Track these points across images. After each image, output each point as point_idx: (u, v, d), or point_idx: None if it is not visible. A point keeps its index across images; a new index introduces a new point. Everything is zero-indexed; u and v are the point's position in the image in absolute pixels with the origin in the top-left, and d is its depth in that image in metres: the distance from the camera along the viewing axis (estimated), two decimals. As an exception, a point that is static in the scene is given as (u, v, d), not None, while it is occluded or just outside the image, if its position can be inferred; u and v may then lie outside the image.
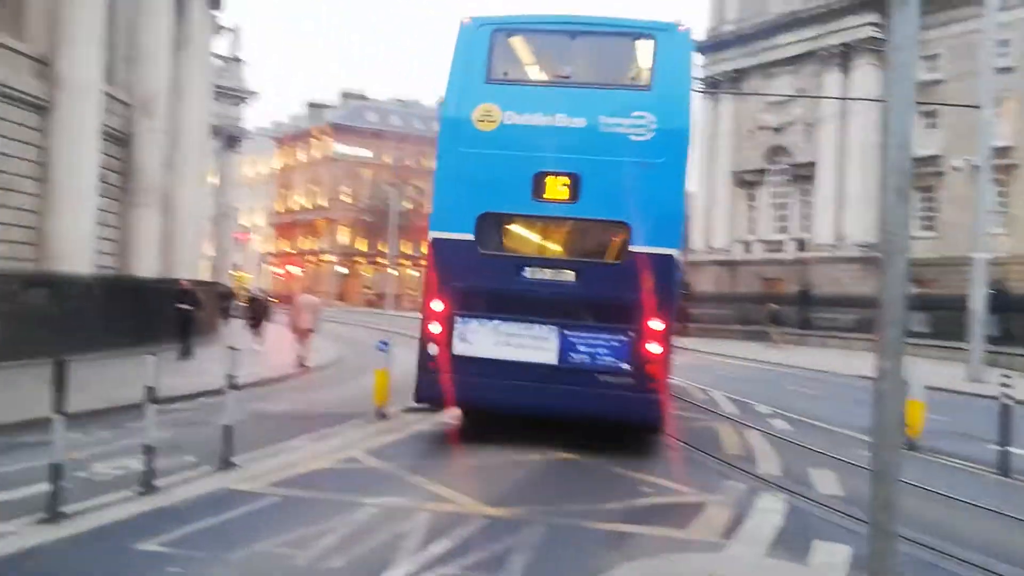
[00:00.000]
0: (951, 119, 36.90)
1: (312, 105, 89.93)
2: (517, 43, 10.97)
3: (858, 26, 42.22)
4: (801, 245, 44.68)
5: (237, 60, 48.03)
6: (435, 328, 9.94)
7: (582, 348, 9.72)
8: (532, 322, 9.79)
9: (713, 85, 48.68)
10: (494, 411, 10.44)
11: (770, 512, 7.46)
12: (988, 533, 7.36)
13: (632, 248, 9.74)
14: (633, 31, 10.73)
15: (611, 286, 9.82)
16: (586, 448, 10.09)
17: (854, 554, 6.14)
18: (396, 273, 71.46)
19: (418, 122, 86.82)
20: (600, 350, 9.71)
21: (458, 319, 9.89)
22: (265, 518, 6.69)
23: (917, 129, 39.55)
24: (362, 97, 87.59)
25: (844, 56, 43.11)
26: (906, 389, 11.08)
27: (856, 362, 24.84)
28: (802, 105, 44.74)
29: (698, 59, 51.67)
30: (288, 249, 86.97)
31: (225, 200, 45.95)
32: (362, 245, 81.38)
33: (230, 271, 54.59)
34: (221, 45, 41.31)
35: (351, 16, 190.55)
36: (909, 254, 3.11)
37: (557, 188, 9.94)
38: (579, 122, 9.98)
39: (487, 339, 9.85)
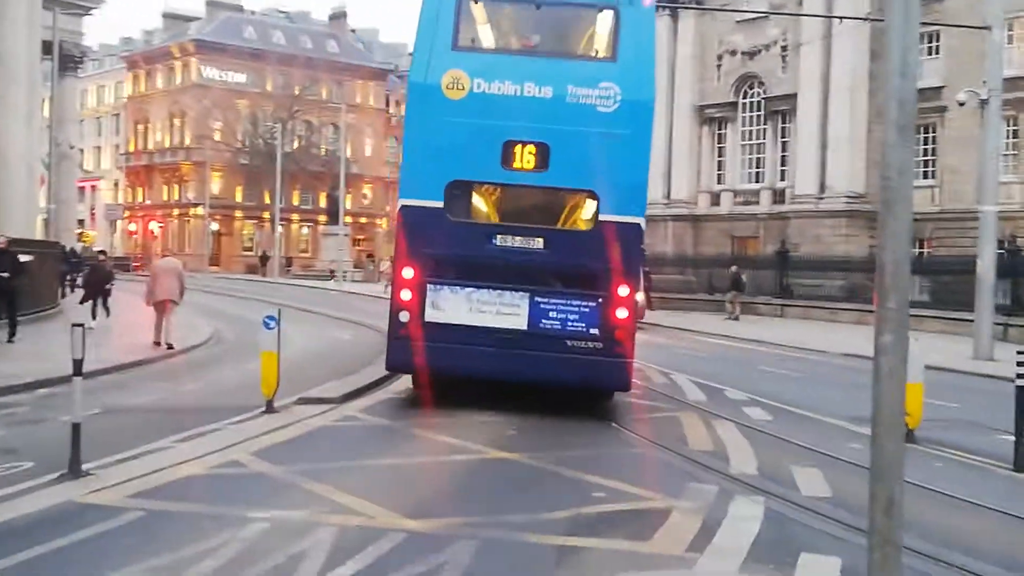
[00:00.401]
0: (954, 44, 37.74)
1: (170, 17, 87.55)
2: (484, 10, 12.95)
3: (847, -71, 42.81)
4: (779, 196, 45.40)
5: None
6: (406, 295, 11.90)
7: (552, 314, 11.86)
8: (503, 289, 11.89)
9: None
10: (465, 377, 12.34)
11: (746, 519, 7.59)
12: (1001, 540, 7.59)
13: (601, 217, 11.97)
14: (596, 2, 12.76)
15: (580, 254, 12.04)
16: (526, 445, 10.19)
17: (845, 566, 6.32)
18: (282, 231, 70.65)
19: (308, 40, 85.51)
20: (570, 316, 11.88)
21: (429, 286, 11.87)
22: (125, 538, 6.57)
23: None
24: (236, 7, 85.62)
25: (830, -35, 43.71)
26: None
27: (844, 337, 25.52)
28: (779, 26, 45.22)
29: (655, -34, 51.79)
30: (146, 201, 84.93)
31: (64, 138, 44.57)
32: (240, 196, 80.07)
33: (75, 229, 53.23)
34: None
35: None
36: (912, 205, 3.19)
37: (526, 157, 12.01)
38: (547, 92, 12.00)
39: (458, 306, 11.88)
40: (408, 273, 11.95)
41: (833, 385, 17.62)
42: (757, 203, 46.13)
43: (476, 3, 12.74)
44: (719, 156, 49.07)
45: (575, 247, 12.27)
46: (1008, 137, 36.45)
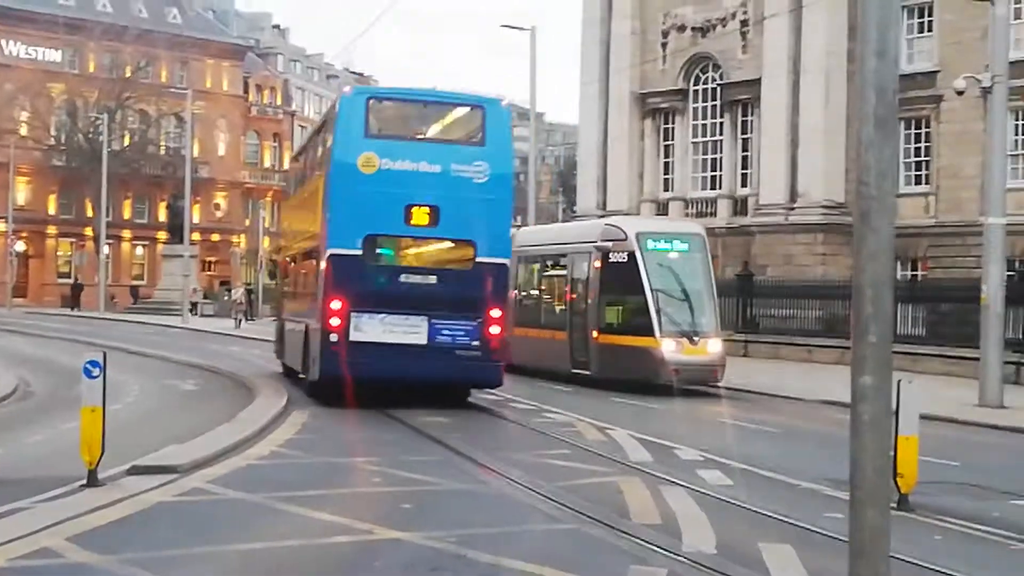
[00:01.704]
0: (951, 20, 38.87)
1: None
2: (387, 107, 22.37)
3: None
4: (740, 206, 46.03)
5: None
6: (335, 321, 19.40)
7: (444, 332, 19.77)
8: (408, 314, 19.72)
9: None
10: (382, 383, 19.74)
11: (702, 611, 7.66)
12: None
13: (478, 259, 20.29)
14: (469, 103, 22.45)
15: (464, 287, 20.31)
16: (424, 521, 10.16)
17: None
18: (109, 252, 69.50)
19: (142, 7, 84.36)
20: (457, 332, 19.88)
21: (353, 314, 19.46)
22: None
23: (903, 35, 41.55)
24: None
25: (800, -79, 44.68)
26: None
27: (822, 380, 25.91)
28: (738, -5, 46.09)
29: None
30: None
31: None
32: (54, 207, 78.57)
33: None
34: None
35: None
36: (895, 216, 3.25)
37: (422, 216, 20.00)
38: (436, 168, 20.15)
39: (375, 328, 19.55)
40: (336, 305, 19.54)
41: (809, 440, 17.89)
42: (713, 215, 46.66)
43: (380, 103, 22.03)
44: (666, 157, 49.68)
45: (460, 281, 20.73)
46: (1017, 133, 37.51)
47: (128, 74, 76.97)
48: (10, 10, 78.08)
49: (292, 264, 28.31)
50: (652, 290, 25.41)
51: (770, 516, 11.09)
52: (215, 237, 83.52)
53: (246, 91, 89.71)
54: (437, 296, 19.97)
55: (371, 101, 21.31)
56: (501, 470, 13.54)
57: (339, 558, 9.09)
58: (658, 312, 25.22)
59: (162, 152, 77.17)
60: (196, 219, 69.43)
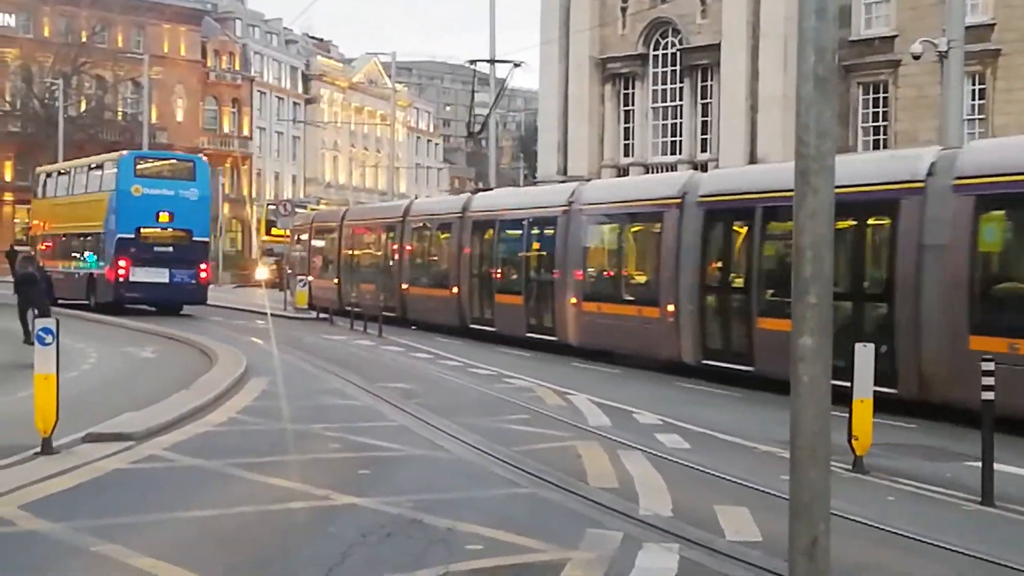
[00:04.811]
0: (910, -16, 38.99)
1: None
2: (147, 161, 42.87)
3: None
4: (700, 171, 46.15)
5: None
6: (122, 271, 36.74)
7: (176, 276, 37.86)
8: (158, 267, 37.48)
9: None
10: (145, 303, 38.59)
11: (658, 572, 7.70)
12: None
13: (193, 239, 38.99)
14: (187, 159, 45.49)
15: (185, 252, 38.42)
16: (381, 487, 10.17)
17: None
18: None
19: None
20: (184, 275, 38.16)
21: (132, 267, 37.01)
22: None
23: (860, 3, 41.73)
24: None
25: None
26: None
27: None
28: (698, -41, 46.11)
29: None
30: None
31: None
32: (11, 174, 77.88)
33: None
34: None
35: None
36: (834, 176, 3.26)
37: (165, 217, 37.89)
38: (171, 192, 38.50)
39: (139, 275, 37.00)
40: (122, 262, 36.55)
41: (769, 404, 17.97)
42: (673, 180, 46.69)
43: (143, 160, 42.24)
44: (626, 122, 49.80)
45: (183, 250, 38.23)
46: (973, 99, 37.79)
47: (84, 39, 76.16)
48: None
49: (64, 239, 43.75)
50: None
51: (726, 479, 11.18)
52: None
53: (204, 56, 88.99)
54: (173, 257, 37.63)
55: (136, 158, 40.60)
56: (459, 435, 13.59)
57: (295, 524, 9.07)
58: None
59: (119, 118, 76.49)
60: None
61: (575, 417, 15.73)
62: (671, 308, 21.10)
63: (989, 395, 10.03)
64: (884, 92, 41.60)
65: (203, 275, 38.93)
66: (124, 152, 41.08)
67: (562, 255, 25.58)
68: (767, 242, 19.41)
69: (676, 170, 45.90)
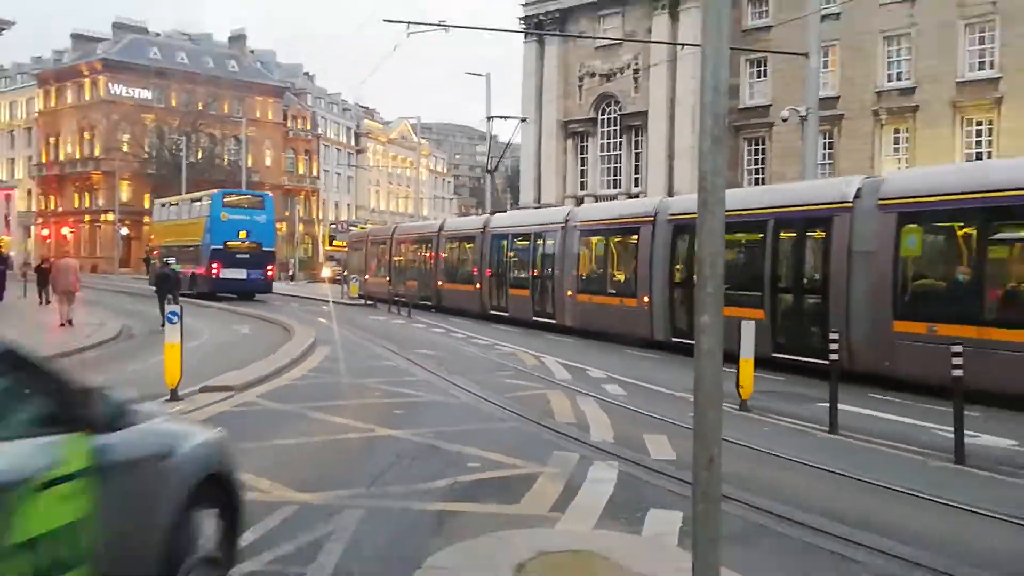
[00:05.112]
0: (780, 68, 38.97)
1: (79, 37, 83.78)
2: (231, 195, 41.66)
3: (688, -32, 43.80)
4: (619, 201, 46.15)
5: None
6: (214, 271, 37.51)
7: (251, 274, 38.22)
8: (239, 268, 37.77)
9: (537, 26, 49.20)
10: (228, 292, 38.14)
11: (602, 481, 7.70)
12: (819, 491, 7.86)
13: (263, 248, 39.24)
14: (259, 195, 44.32)
15: (258, 258, 38.81)
16: (410, 423, 10.18)
17: (686, 518, 6.45)
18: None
19: (210, 60, 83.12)
20: (257, 273, 38.43)
21: (221, 268, 37.50)
22: None
23: (746, 79, 41.73)
24: (141, 29, 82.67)
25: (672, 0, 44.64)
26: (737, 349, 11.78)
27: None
28: (632, 51, 45.98)
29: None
30: (58, 208, 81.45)
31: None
32: (148, 203, 77.23)
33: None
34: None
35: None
36: (725, 205, 3.27)
37: (243, 234, 38.43)
38: (247, 218, 39.18)
39: (227, 274, 37.52)
40: (214, 264, 37.34)
41: (687, 364, 17.97)
42: (615, 206, 46.72)
43: (227, 195, 41.02)
44: (582, 166, 49.71)
45: (255, 256, 38.45)
46: (824, 149, 37.84)
47: (200, 107, 75.85)
48: (115, 62, 76.69)
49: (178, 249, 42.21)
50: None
51: (652, 416, 11.22)
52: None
53: (285, 120, 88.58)
54: (248, 261, 37.88)
55: (224, 195, 40.59)
56: (465, 386, 13.60)
57: (350, 449, 9.08)
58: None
59: (225, 164, 75.91)
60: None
61: (546, 373, 15.74)
62: (646, 299, 20.58)
63: (959, 372, 9.07)
64: (762, 145, 41.62)
65: (269, 273, 39.62)
66: (216, 190, 42.32)
67: (560, 259, 24.93)
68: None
69: (617, 199, 46.01)
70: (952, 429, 9.14)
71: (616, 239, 23.04)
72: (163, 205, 48.82)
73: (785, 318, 16.86)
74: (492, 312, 28.89)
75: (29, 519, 3.15)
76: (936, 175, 16.08)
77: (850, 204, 15.49)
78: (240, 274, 37.87)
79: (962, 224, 14.01)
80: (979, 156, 34.26)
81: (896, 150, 37.57)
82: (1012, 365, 12.38)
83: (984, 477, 8.44)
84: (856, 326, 15.15)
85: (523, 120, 42.86)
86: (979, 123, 35.23)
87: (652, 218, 20.80)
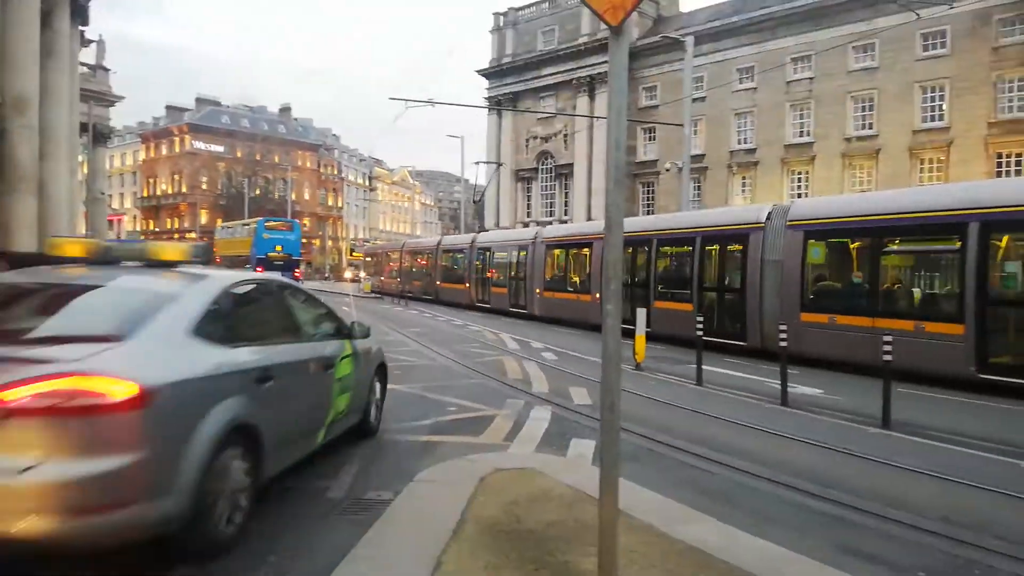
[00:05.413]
0: (664, 134, 39.41)
1: (171, 108, 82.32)
2: (270, 220, 40.60)
3: (599, 63, 44.07)
4: (545, 224, 46.23)
5: (104, 69, 42.99)
6: (258, 271, 31.84)
7: (285, 275, 21.25)
8: (275, 271, 23.52)
9: (497, 103, 49.21)
10: None
11: (540, 420, 7.72)
12: (687, 425, 7.95)
13: (293, 258, 37.37)
14: (288, 222, 41.56)
15: (290, 264, 36.55)
16: (407, 380, 10.10)
17: (597, 446, 6.53)
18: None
19: (265, 124, 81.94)
20: (288, 275, 21.82)
21: (263, 270, 20.59)
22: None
23: (641, 141, 42.02)
24: (215, 103, 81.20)
25: (590, 85, 44.85)
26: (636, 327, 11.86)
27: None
28: (563, 121, 46.21)
29: (484, 83, 52.05)
30: (155, 228, 79.83)
31: (97, 187, 41.34)
32: (220, 225, 75.94)
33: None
34: (89, 54, 37.76)
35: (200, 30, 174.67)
36: (623, 229, 3.28)
37: (279, 248, 37.29)
38: (280, 236, 38.15)
39: (266, 269, 25.10)
40: (259, 269, 27.79)
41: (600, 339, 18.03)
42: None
43: (267, 220, 40.27)
44: (528, 201, 49.74)
45: (286, 263, 35.56)
46: (695, 190, 38.31)
47: (258, 158, 74.72)
48: (196, 125, 75.53)
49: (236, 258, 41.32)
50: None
51: (575, 375, 11.22)
52: (304, 240, 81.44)
53: (318, 167, 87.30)
54: (282, 266, 34.01)
55: (266, 222, 39.48)
56: (445, 354, 13.54)
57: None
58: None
59: (276, 197, 74.65)
60: (294, 231, 68.13)
61: (501, 345, 15.71)
62: (598, 295, 18.99)
63: (888, 357, 8.28)
64: (652, 187, 41.91)
65: (297, 275, 37.54)
66: (260, 218, 42.49)
67: (531, 265, 23.85)
68: (658, 259, 17.53)
69: (553, 225, 46.03)
70: (780, 383, 9.32)
71: (573, 251, 22.41)
72: (223, 228, 48.31)
73: (711, 310, 15.57)
74: (478, 304, 27.79)
75: (338, 370, 5.61)
76: (826, 204, 14.56)
77: (762, 224, 14.52)
78: (276, 276, 37.77)
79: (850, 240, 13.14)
80: (800, 195, 34.86)
81: (743, 191, 38.08)
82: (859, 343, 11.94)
83: (800, 415, 8.62)
84: (767, 317, 14.04)
85: (500, 165, 43.42)
86: (800, 173, 35.86)
87: (600, 235, 19.93)
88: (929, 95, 31.41)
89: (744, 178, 37.97)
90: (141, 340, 3.64)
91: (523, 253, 24.63)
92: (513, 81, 49.46)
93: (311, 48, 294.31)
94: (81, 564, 3.51)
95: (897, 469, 6.19)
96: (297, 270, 38.86)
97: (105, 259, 4.67)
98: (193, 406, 3.66)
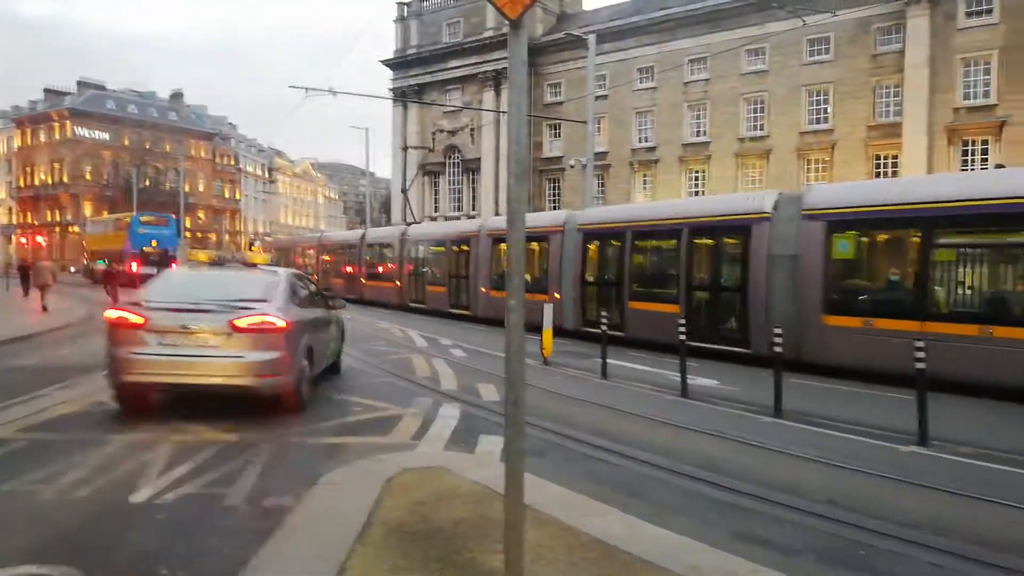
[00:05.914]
0: (569, 131, 40.02)
1: (49, 91, 76.39)
2: (146, 216, 40.82)
3: (504, 58, 43.91)
4: (471, 219, 46.29)
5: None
6: (135, 267, 32.38)
7: (160, 268, 18.73)
8: (152, 265, 29.26)
9: (402, 95, 48.53)
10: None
11: (449, 418, 7.68)
12: (592, 418, 8.09)
13: (168, 252, 34.93)
14: (164, 216, 40.82)
15: (165, 258, 33.03)
16: (321, 381, 9.84)
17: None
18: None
19: (154, 111, 77.47)
20: (164, 268, 19.28)
21: (140, 265, 32.09)
22: (11, 461, 5.74)
23: (547, 138, 42.55)
24: (100, 87, 75.86)
25: (496, 79, 44.95)
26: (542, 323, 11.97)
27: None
28: (469, 115, 46.04)
29: (388, 73, 51.19)
30: (34, 221, 73.92)
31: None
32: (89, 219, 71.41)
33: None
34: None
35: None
36: (526, 224, 3.29)
37: (154, 242, 37.30)
38: (156, 231, 38.47)
39: (144, 269, 29.92)
40: (135, 263, 33.51)
41: (531, 338, 18.11)
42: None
43: (143, 215, 40.79)
44: (436, 195, 49.38)
45: (164, 257, 33.52)
46: (598, 186, 39.15)
47: (147, 147, 70.61)
48: (78, 111, 70.26)
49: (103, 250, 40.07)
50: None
51: (483, 371, 11.22)
52: (199, 235, 77.61)
53: (214, 157, 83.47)
54: (158, 261, 33.23)
55: (140, 216, 39.45)
56: (352, 353, 13.21)
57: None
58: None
59: (167, 189, 70.74)
60: (187, 224, 64.46)
61: (410, 343, 15.49)
62: (558, 295, 16.77)
63: (922, 365, 7.19)
64: (558, 183, 42.51)
65: (173, 267, 36.31)
66: (135, 212, 42.33)
67: (475, 261, 21.02)
68: (633, 254, 15.26)
69: (460, 220, 45.89)
70: (679, 375, 9.65)
71: (528, 245, 19.79)
72: (94, 223, 47.83)
73: (715, 312, 13.48)
74: (411, 305, 24.62)
75: (328, 331, 9.24)
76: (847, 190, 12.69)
77: (769, 214, 12.48)
78: (152, 270, 32.75)
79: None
80: (697, 194, 36.22)
81: (644, 188, 39.24)
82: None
83: (698, 405, 8.95)
84: (777, 319, 11.46)
85: (431, 150, 42.49)
86: (697, 171, 37.30)
87: (561, 227, 17.45)
88: (815, 98, 33.37)
89: (645, 176, 39.09)
90: (276, 301, 7.53)
91: (465, 247, 21.81)
92: (419, 72, 48.91)
93: (207, 26, 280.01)
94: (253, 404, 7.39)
95: (788, 456, 6.53)
96: (174, 264, 36.89)
97: (218, 263, 9.16)
98: (298, 334, 7.58)
